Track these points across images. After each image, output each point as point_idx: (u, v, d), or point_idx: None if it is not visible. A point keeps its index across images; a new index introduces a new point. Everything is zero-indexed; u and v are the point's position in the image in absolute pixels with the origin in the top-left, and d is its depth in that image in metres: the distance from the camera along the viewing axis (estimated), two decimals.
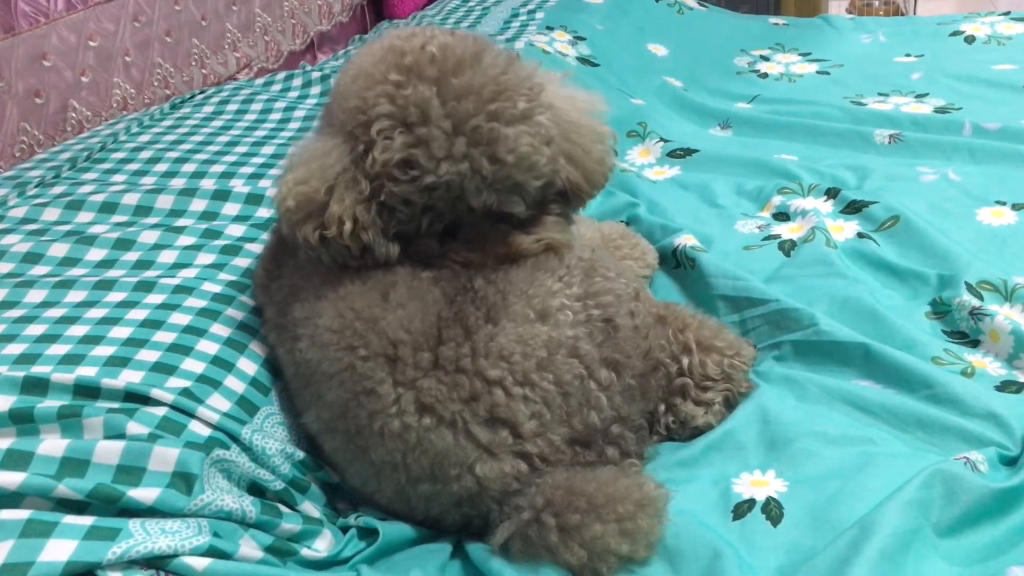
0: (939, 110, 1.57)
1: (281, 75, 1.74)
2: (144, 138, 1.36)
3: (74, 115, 1.50)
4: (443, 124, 0.80)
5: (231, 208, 1.15)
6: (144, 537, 0.69)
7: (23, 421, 0.77)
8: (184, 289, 0.96)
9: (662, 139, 1.60)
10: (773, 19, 2.20)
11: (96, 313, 0.92)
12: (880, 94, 1.69)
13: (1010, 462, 0.85)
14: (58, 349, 0.85)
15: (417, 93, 0.80)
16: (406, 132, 0.80)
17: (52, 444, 0.75)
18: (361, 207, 0.82)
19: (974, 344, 1.03)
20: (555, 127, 0.85)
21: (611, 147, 0.94)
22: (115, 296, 0.95)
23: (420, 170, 0.80)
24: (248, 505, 0.78)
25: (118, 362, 0.84)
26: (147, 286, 0.96)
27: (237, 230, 1.10)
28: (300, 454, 0.87)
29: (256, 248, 1.06)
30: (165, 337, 0.88)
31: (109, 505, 0.72)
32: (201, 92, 1.60)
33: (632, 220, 1.33)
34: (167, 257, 1.04)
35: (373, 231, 0.83)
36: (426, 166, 0.80)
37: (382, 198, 0.82)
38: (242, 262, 1.04)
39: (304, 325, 0.86)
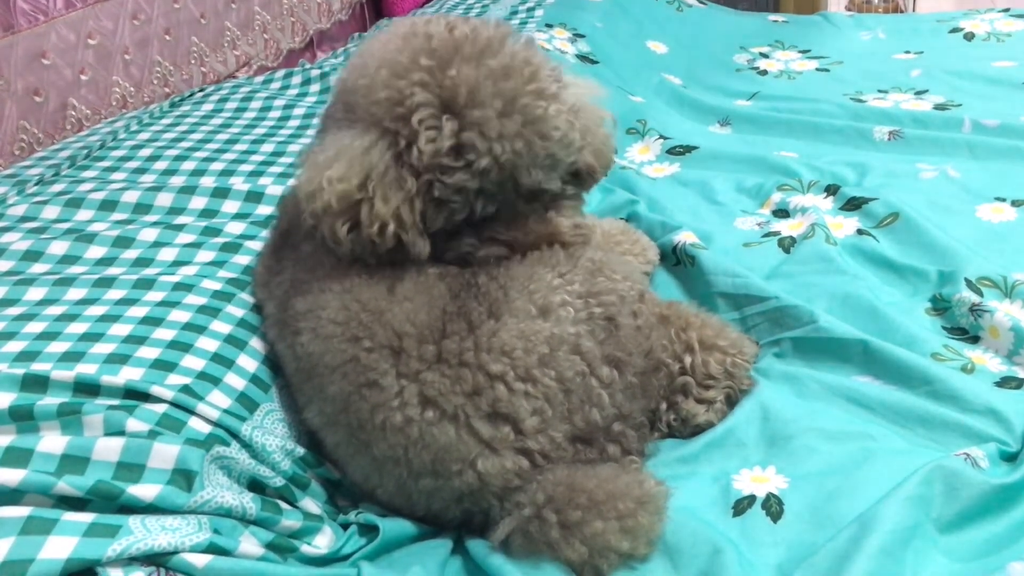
0: (939, 107, 1.57)
1: (280, 73, 1.74)
2: (143, 136, 1.35)
3: (73, 113, 1.49)
4: (495, 104, 0.80)
5: (231, 206, 1.15)
6: (144, 534, 0.69)
7: (23, 418, 0.77)
8: (184, 286, 0.96)
9: (661, 136, 1.60)
10: (772, 16, 2.20)
11: (96, 310, 0.91)
12: (880, 91, 1.69)
13: (1010, 458, 0.85)
14: (58, 346, 0.85)
15: (462, 74, 0.80)
16: (454, 118, 0.80)
17: (52, 441, 0.75)
18: (405, 207, 0.82)
19: (974, 340, 1.03)
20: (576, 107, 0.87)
21: (612, 129, 0.96)
22: (115, 293, 0.95)
23: (475, 153, 0.80)
24: (248, 502, 0.78)
25: (118, 359, 0.83)
26: (147, 283, 0.96)
27: (237, 227, 1.10)
28: (300, 451, 0.87)
29: (256, 245, 1.06)
30: (165, 334, 0.88)
31: (109, 502, 0.72)
32: (200, 90, 1.60)
33: (632, 217, 1.33)
34: (167, 255, 1.04)
35: (413, 231, 0.83)
36: (481, 148, 0.80)
37: (436, 194, 0.82)
38: (242, 259, 1.04)
39: (306, 318, 0.86)
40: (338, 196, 0.83)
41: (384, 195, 0.82)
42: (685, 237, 1.22)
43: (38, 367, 0.81)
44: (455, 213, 0.84)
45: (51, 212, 1.12)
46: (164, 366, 0.84)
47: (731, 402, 0.97)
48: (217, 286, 0.98)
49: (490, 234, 0.87)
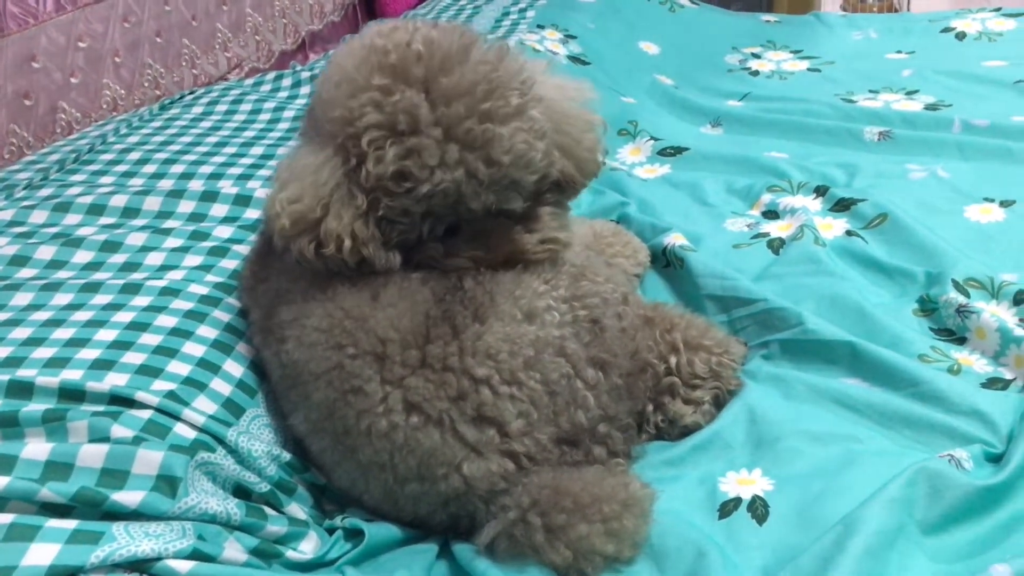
0: (929, 107, 1.57)
1: (271, 75, 1.74)
2: (133, 139, 1.35)
3: (64, 116, 1.49)
4: (433, 132, 0.78)
5: (219, 209, 1.15)
6: (127, 540, 0.69)
7: (8, 425, 0.77)
8: (171, 291, 0.96)
9: (652, 137, 1.60)
10: (764, 16, 2.20)
11: (82, 316, 0.91)
12: (871, 91, 1.69)
13: (995, 459, 0.85)
14: (43, 352, 0.85)
15: (405, 99, 0.79)
16: (397, 143, 0.79)
17: (36, 448, 0.75)
18: (359, 222, 0.82)
19: (961, 341, 1.02)
20: (547, 120, 0.85)
21: (601, 134, 0.93)
22: (101, 299, 0.95)
23: (414, 181, 0.79)
24: (233, 508, 0.78)
25: (103, 365, 0.83)
26: (133, 288, 0.96)
27: (225, 231, 1.10)
28: (286, 456, 0.87)
29: (244, 249, 1.06)
30: (151, 340, 0.88)
31: (93, 509, 0.71)
32: (190, 93, 1.60)
33: (622, 219, 1.33)
34: (154, 259, 1.04)
35: (373, 245, 0.82)
36: (419, 176, 0.79)
37: (380, 212, 0.81)
38: (229, 264, 1.04)
39: (291, 327, 0.86)
40: (292, 218, 0.83)
41: (337, 212, 0.82)
42: (675, 239, 1.23)
43: (23, 373, 0.82)
44: (405, 232, 0.83)
45: (39, 216, 1.13)
46: (149, 372, 0.84)
47: (719, 404, 0.97)
48: (204, 291, 0.98)
49: (449, 250, 0.85)
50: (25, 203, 1.15)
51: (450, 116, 0.78)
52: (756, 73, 1.88)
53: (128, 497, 0.72)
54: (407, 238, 0.84)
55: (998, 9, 1.95)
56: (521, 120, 0.81)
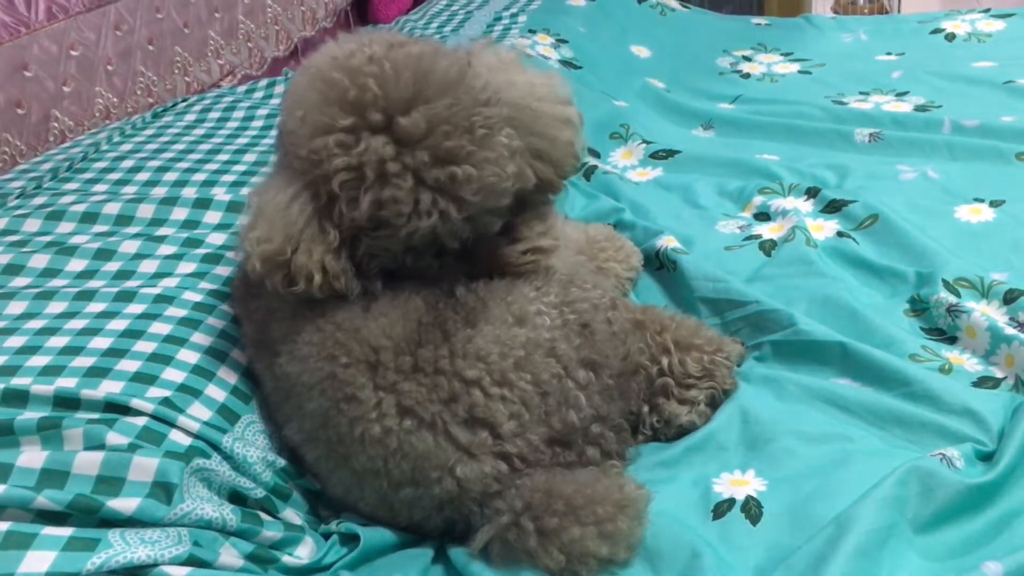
0: (919, 108, 1.57)
1: (263, 82, 1.74)
2: (126, 147, 1.35)
3: (56, 125, 1.50)
4: (405, 184, 0.78)
5: (212, 216, 1.15)
6: (123, 547, 0.69)
7: (3, 433, 0.77)
8: (165, 298, 0.97)
9: (644, 141, 1.61)
10: (755, 19, 2.21)
11: (76, 324, 0.92)
12: (861, 93, 1.70)
13: (986, 458, 0.86)
14: (38, 361, 0.85)
15: (372, 149, 0.77)
16: (371, 190, 0.78)
17: (32, 456, 0.75)
18: (330, 256, 0.81)
19: (951, 341, 1.03)
20: (518, 126, 0.84)
21: (577, 127, 0.91)
22: (95, 307, 0.95)
23: (391, 229, 0.79)
24: (228, 513, 0.78)
25: (98, 373, 0.84)
26: (128, 296, 0.97)
27: (218, 239, 1.10)
28: (281, 461, 0.88)
29: (238, 256, 1.06)
30: (145, 347, 0.89)
31: (88, 516, 0.72)
32: (183, 100, 1.60)
33: (618, 225, 1.33)
34: (148, 267, 1.04)
35: (345, 278, 0.82)
36: (396, 223, 0.79)
37: (360, 251, 0.82)
38: (223, 271, 1.04)
39: (283, 342, 0.86)
40: (262, 258, 0.82)
41: (306, 248, 0.81)
42: (667, 242, 1.23)
43: (18, 382, 0.82)
44: (386, 264, 0.83)
45: (32, 225, 1.13)
46: (144, 379, 0.85)
47: (714, 404, 0.98)
48: (198, 298, 0.98)
49: (441, 268, 0.85)
50: (18, 212, 1.15)
51: (417, 163, 0.78)
52: (747, 76, 1.89)
53: (124, 504, 0.73)
54: (389, 267, 0.84)
55: (987, 10, 1.96)
56: (488, 149, 0.79)
